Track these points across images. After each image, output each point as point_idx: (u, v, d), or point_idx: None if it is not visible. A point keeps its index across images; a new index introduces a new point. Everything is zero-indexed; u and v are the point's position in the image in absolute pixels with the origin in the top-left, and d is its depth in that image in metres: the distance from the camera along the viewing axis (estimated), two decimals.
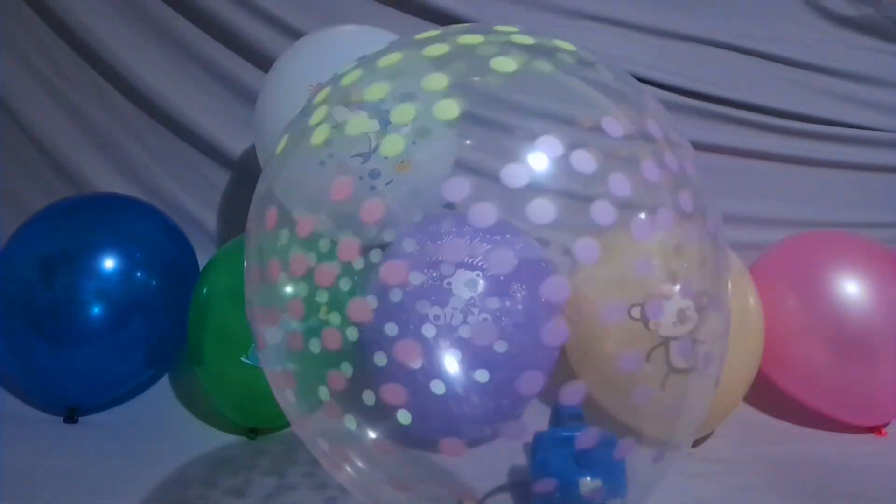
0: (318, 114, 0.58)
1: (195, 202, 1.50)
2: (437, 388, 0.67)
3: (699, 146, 1.48)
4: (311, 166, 0.60)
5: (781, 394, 1.13)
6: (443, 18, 1.44)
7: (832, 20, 1.52)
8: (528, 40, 0.57)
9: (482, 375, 0.74)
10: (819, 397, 1.10)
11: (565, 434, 0.74)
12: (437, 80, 0.52)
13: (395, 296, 0.75)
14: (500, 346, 0.73)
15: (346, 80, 0.59)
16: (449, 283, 0.83)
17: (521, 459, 0.84)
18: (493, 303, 0.85)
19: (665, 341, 0.85)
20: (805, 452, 1.05)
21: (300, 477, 0.95)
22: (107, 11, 1.46)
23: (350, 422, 0.58)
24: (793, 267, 1.11)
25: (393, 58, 0.57)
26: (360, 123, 0.56)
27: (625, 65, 1.45)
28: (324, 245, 0.60)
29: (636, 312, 0.90)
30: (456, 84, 0.52)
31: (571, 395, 0.50)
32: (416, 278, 0.79)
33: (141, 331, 1.10)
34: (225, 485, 0.94)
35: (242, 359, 1.00)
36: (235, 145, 1.47)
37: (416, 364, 0.58)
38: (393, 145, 0.55)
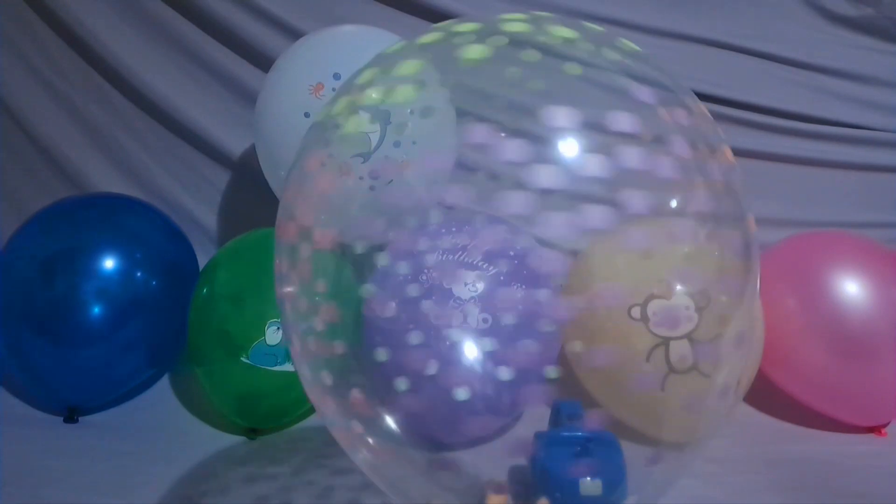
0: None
1: (195, 202, 1.50)
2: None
3: None
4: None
5: (781, 394, 1.13)
6: (443, 18, 1.43)
7: (832, 20, 1.52)
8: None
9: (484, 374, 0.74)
10: (819, 397, 1.10)
11: (565, 434, 0.74)
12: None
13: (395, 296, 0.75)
14: (501, 346, 0.73)
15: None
16: (449, 284, 0.83)
17: (522, 459, 0.84)
18: (494, 303, 0.85)
19: (665, 341, 0.85)
20: (805, 452, 1.05)
21: (300, 477, 0.95)
22: (107, 11, 1.46)
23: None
24: (793, 267, 1.11)
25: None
26: (360, 123, 0.56)
27: None
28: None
29: (636, 312, 0.90)
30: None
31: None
32: (415, 278, 0.78)
33: (141, 331, 1.10)
34: (225, 485, 0.94)
35: (242, 359, 1.00)
36: (235, 145, 1.47)
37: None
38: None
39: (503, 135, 0.50)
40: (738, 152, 1.61)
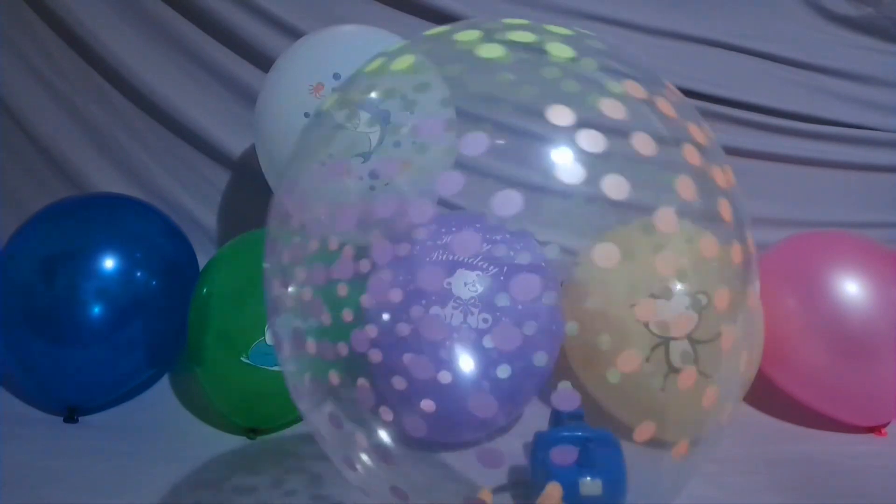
0: None
1: (195, 202, 1.50)
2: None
3: None
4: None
5: (781, 394, 1.13)
6: (443, 18, 1.44)
7: (832, 20, 1.52)
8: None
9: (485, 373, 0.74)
10: (819, 397, 1.10)
11: (565, 434, 0.75)
12: None
13: (396, 296, 0.75)
14: (500, 347, 0.73)
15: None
16: (449, 283, 0.83)
17: (522, 459, 0.84)
18: (494, 302, 0.85)
19: (665, 341, 0.85)
20: (805, 452, 1.05)
21: (300, 477, 0.95)
22: (107, 11, 1.46)
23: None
24: (793, 267, 1.11)
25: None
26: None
27: None
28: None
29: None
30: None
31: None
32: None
33: (141, 331, 1.10)
34: (225, 485, 0.94)
35: (242, 359, 1.00)
36: (235, 145, 1.47)
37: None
38: None
39: (500, 141, 0.50)
40: (738, 152, 1.63)
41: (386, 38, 1.11)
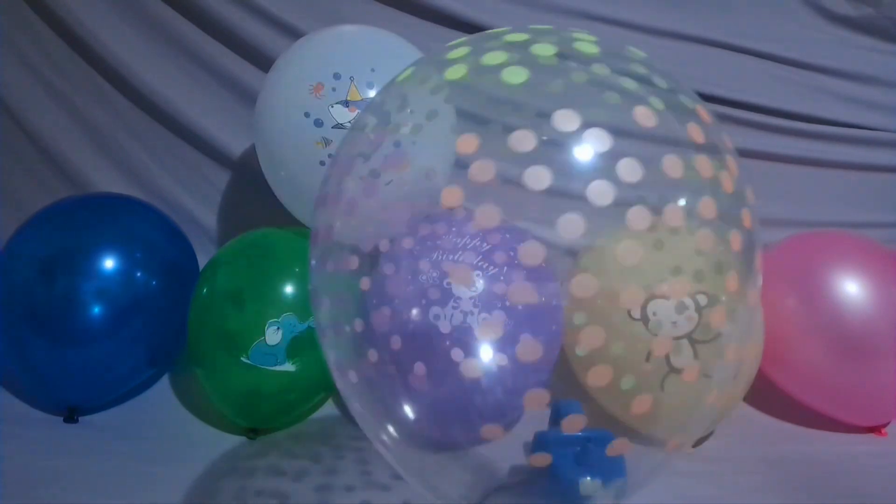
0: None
1: (195, 202, 1.50)
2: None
3: None
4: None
5: (781, 394, 1.13)
6: (443, 19, 1.44)
7: (832, 20, 1.52)
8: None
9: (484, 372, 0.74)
10: (819, 397, 1.10)
11: (565, 434, 0.74)
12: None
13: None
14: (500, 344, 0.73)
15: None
16: (449, 283, 0.83)
17: (522, 459, 0.84)
18: (494, 302, 0.85)
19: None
20: (805, 452, 1.05)
21: (300, 477, 0.95)
22: (107, 11, 1.46)
23: None
24: (793, 267, 1.11)
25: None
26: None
27: None
28: None
29: (636, 312, 0.90)
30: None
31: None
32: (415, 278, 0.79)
33: (141, 331, 1.10)
34: (225, 485, 0.94)
35: (242, 359, 1.00)
36: (235, 145, 1.47)
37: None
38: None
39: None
40: (738, 152, 1.62)
41: (386, 38, 1.11)
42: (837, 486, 0.96)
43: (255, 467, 0.98)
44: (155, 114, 1.48)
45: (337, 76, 1.00)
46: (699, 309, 0.97)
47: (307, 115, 0.99)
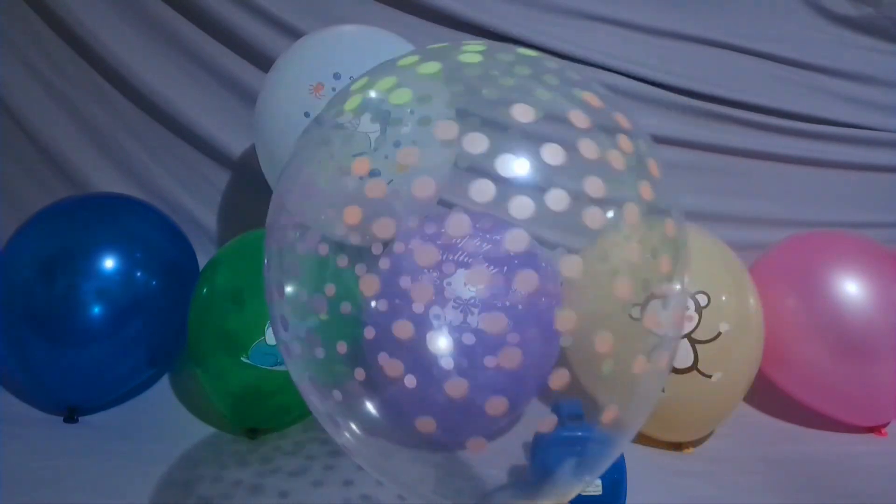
0: None
1: (195, 202, 1.50)
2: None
3: (699, 146, 1.48)
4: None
5: (781, 394, 1.13)
6: (443, 19, 1.44)
7: (832, 20, 1.53)
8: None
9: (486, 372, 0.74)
10: (819, 397, 1.10)
11: (565, 434, 0.74)
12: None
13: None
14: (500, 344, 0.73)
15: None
16: (449, 283, 0.83)
17: (521, 459, 0.84)
18: (493, 301, 0.85)
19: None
20: (805, 452, 1.05)
21: (299, 476, 0.96)
22: (107, 11, 1.46)
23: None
24: (793, 267, 1.11)
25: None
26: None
27: (624, 65, 1.45)
28: None
29: (636, 312, 0.90)
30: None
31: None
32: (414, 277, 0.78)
33: (141, 331, 1.10)
34: (225, 485, 0.94)
35: (242, 359, 1.00)
36: (235, 145, 1.47)
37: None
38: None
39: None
40: (738, 152, 1.63)
41: (386, 38, 1.11)
42: (837, 486, 0.96)
43: (255, 467, 0.98)
44: (155, 114, 1.48)
45: (337, 76, 1.00)
46: (699, 309, 0.98)
47: (307, 115, 0.99)
